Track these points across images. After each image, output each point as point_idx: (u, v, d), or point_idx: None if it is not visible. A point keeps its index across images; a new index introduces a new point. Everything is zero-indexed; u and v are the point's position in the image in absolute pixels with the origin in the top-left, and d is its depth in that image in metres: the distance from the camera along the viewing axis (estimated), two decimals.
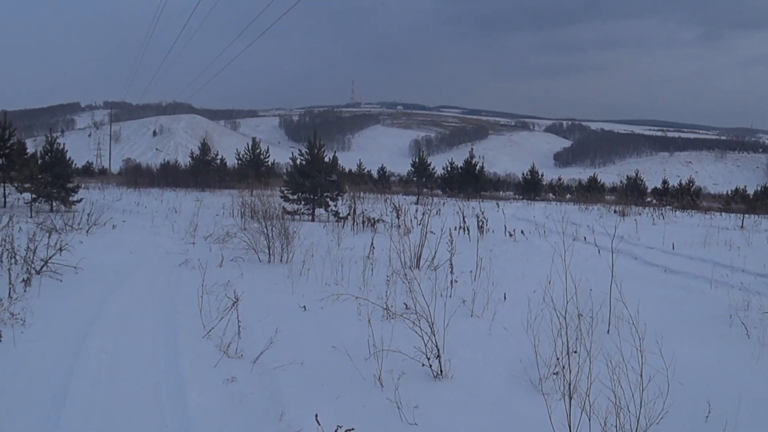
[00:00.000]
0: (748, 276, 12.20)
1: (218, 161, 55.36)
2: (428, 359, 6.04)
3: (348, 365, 6.08)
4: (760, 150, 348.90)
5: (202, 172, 51.44)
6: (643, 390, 4.38)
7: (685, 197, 52.17)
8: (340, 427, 4.36)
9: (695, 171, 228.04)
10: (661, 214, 33.82)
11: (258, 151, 51.33)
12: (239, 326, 7.06)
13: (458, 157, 68.38)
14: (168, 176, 54.26)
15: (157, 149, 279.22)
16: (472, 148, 76.81)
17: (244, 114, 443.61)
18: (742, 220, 28.78)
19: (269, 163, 52.17)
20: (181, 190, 42.85)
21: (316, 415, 4.57)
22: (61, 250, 10.96)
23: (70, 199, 24.83)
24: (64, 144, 27.96)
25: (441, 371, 6.04)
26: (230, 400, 5.46)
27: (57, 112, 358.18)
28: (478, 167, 61.79)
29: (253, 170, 46.77)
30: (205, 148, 55.28)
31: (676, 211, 40.69)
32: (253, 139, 55.45)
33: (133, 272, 11.16)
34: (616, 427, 4.31)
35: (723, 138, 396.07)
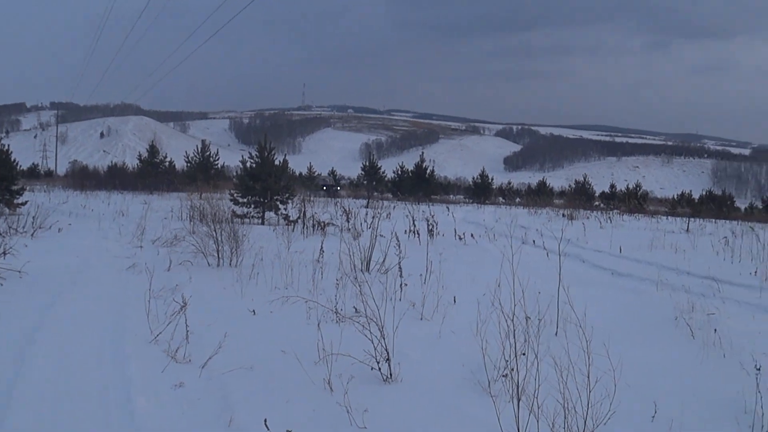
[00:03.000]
0: (694, 278, 12.40)
1: (167, 164, 54.73)
2: (378, 363, 6.04)
3: (297, 369, 6.05)
4: (705, 155, 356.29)
5: (150, 175, 50.76)
6: (590, 391, 4.43)
7: (632, 201, 52.87)
8: None
9: (642, 175, 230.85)
10: (609, 217, 34.21)
11: (207, 153, 50.89)
12: (187, 331, 6.98)
13: (409, 160, 68.78)
14: (115, 179, 53.42)
15: (104, 151, 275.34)
16: (422, 152, 77.14)
17: (193, 116, 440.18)
18: (688, 224, 29.24)
19: (219, 165, 51.73)
20: (129, 193, 42.23)
21: (265, 420, 4.54)
22: (5, 254, 10.76)
23: (15, 201, 24.31)
24: (8, 145, 27.37)
25: (390, 375, 6.04)
26: (178, 406, 5.40)
27: (1, 112, 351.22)
28: (428, 171, 62.14)
29: (202, 173, 46.38)
30: (153, 150, 54.61)
31: (623, 214, 41.21)
32: (203, 141, 54.90)
33: (80, 276, 10.97)
34: (564, 428, 4.35)
35: (669, 143, 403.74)
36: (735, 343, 7.44)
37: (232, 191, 24.89)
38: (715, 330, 7.70)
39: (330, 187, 68.60)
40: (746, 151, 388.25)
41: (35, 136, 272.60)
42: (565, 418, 4.35)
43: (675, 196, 69.14)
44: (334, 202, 31.70)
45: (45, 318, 7.96)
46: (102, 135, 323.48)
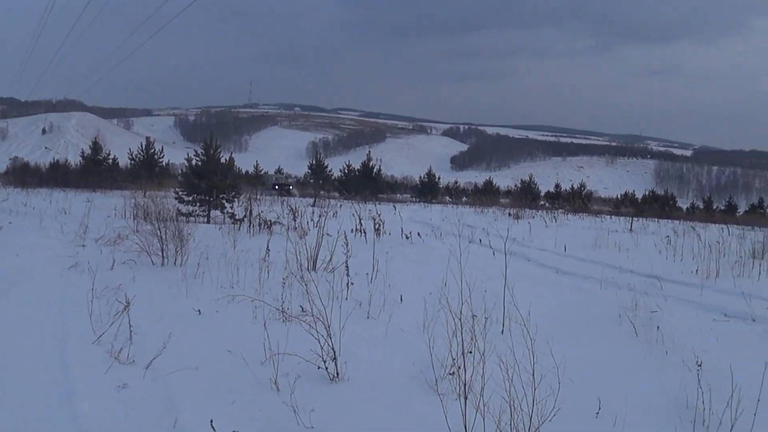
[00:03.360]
0: (637, 277, 12.59)
1: (110, 161, 53.98)
2: (324, 362, 6.02)
3: (243, 369, 6.00)
4: (649, 156, 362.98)
5: (94, 172, 50.01)
6: (535, 389, 4.46)
7: (576, 201, 53.58)
8: None
9: (587, 175, 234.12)
10: (554, 217, 34.59)
11: (152, 151, 50.39)
12: (131, 331, 6.87)
13: (356, 159, 68.79)
14: (58, 176, 52.62)
15: (46, 148, 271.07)
16: (369, 151, 77.30)
17: (138, 113, 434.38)
18: (631, 223, 29.67)
19: (163, 163, 51.24)
20: (72, 191, 41.56)
21: (211, 421, 4.49)
22: None
23: None
24: None
25: (337, 374, 6.02)
26: (122, 407, 5.31)
27: None
28: (375, 170, 62.33)
29: (147, 171, 45.91)
30: (96, 147, 53.82)
31: (568, 214, 41.69)
32: (147, 138, 54.40)
33: (20, 276, 10.74)
34: (510, 425, 4.37)
35: (613, 144, 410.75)
36: (677, 340, 7.56)
37: (177, 189, 24.60)
38: (658, 327, 7.82)
39: (282, 186, 67.21)
40: (688, 153, 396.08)
41: None
42: (510, 415, 4.38)
43: (619, 196, 70.39)
44: (281, 201, 31.56)
45: None
46: (44, 131, 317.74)
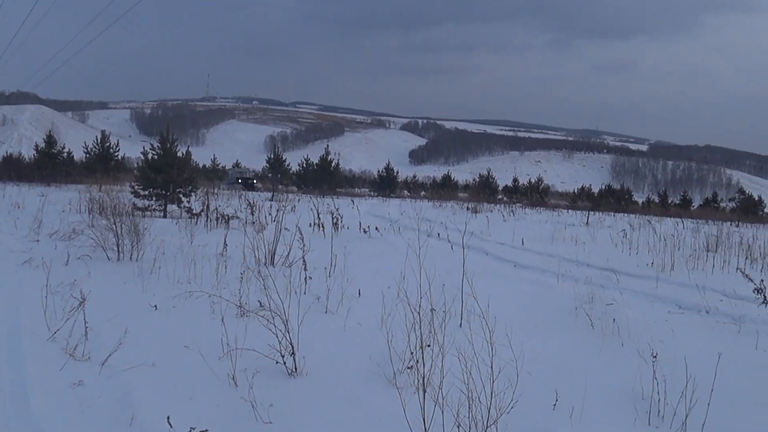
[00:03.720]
0: (593, 270, 12.72)
1: (65, 155, 53.21)
2: (283, 357, 6.00)
3: (201, 365, 5.95)
4: (605, 151, 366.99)
5: (48, 166, 49.22)
6: (493, 381, 4.47)
7: (534, 195, 54.04)
8: (194, 429, 4.26)
9: (544, 170, 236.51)
10: (512, 211, 34.88)
11: (107, 144, 49.67)
12: (86, 327, 6.78)
13: (314, 153, 68.65)
14: (10, 170, 51.57)
15: None
16: (327, 145, 77.26)
17: (93, 105, 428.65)
18: (588, 217, 30.01)
19: (119, 157, 50.58)
20: (25, 185, 40.86)
21: (168, 418, 4.44)
22: None
23: None
24: None
25: (296, 368, 6.01)
26: (78, 405, 5.24)
27: None
28: (333, 164, 62.20)
29: (102, 164, 45.33)
30: (51, 140, 52.93)
31: (525, 208, 42.07)
32: (103, 131, 53.56)
33: None
34: (468, 418, 4.38)
35: (570, 139, 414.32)
36: (633, 332, 7.67)
37: (133, 183, 24.34)
38: (614, 319, 7.91)
39: (246, 180, 66.02)
40: (644, 147, 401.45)
41: None
42: (469, 408, 4.39)
43: (575, 190, 71.06)
44: (239, 195, 31.38)
45: None
46: None
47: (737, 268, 9.61)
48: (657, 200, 62.19)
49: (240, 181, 64.69)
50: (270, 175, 63.52)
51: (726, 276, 12.20)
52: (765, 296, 7.02)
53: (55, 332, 6.90)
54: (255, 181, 66.82)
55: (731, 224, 28.17)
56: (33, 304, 7.94)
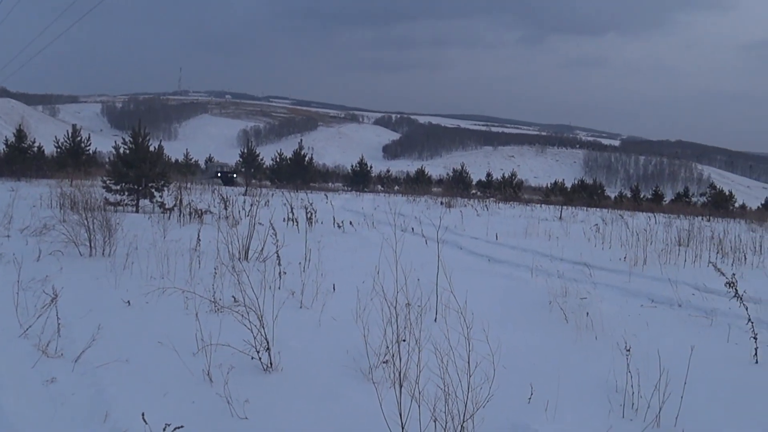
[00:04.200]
0: (566, 264, 12.80)
1: (35, 149, 52.62)
2: (258, 352, 5.98)
3: (175, 361, 5.91)
4: (578, 146, 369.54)
5: (18, 161, 48.66)
6: (470, 376, 4.48)
7: (507, 189, 54.30)
8: (169, 425, 4.23)
9: (517, 165, 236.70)
10: (485, 205, 34.98)
11: (79, 138, 49.14)
12: (59, 324, 6.71)
13: (287, 148, 68.38)
14: None
15: None
16: (301, 140, 77.06)
17: (63, 99, 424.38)
18: (561, 212, 30.15)
19: (90, 151, 50.10)
20: None
21: (143, 414, 4.42)
22: None
23: None
24: None
25: (271, 364, 5.99)
26: (50, 402, 5.19)
27: None
28: (307, 158, 62.07)
29: (73, 159, 44.89)
30: (21, 135, 52.27)
31: (499, 203, 42.18)
32: (74, 126, 52.91)
33: None
34: (445, 412, 4.39)
35: (543, 134, 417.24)
36: (606, 326, 7.73)
37: (104, 178, 24.16)
38: (588, 313, 7.97)
39: (226, 174, 65.43)
40: (616, 143, 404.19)
41: None
42: (446, 402, 4.39)
43: (548, 185, 71.47)
44: (212, 190, 31.24)
45: None
46: None
47: (709, 262, 9.68)
48: (629, 195, 62.48)
49: (219, 175, 64.15)
50: (243, 169, 63.15)
51: (698, 270, 12.32)
52: (736, 290, 7.10)
53: (27, 329, 6.83)
54: (235, 176, 65.95)
55: (702, 219, 28.52)
56: (4, 301, 7.84)
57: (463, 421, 4.40)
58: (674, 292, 9.77)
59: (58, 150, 49.44)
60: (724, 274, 7.37)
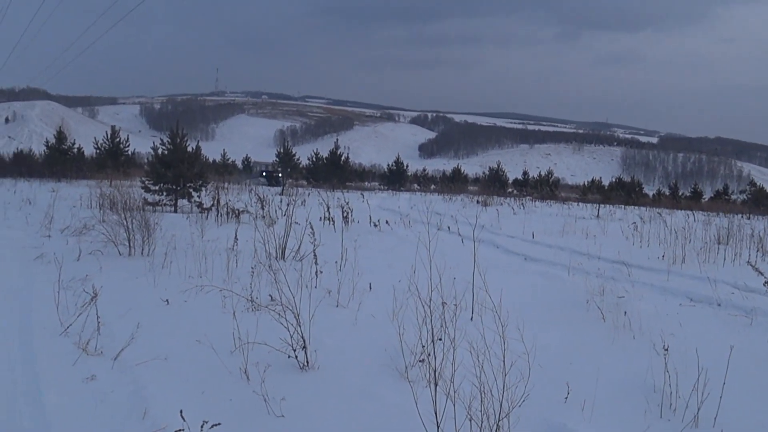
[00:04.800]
0: (604, 263, 12.69)
1: (75, 150, 53.30)
2: (294, 351, 6.01)
3: (213, 359, 5.97)
4: (615, 143, 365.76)
5: (58, 162, 49.27)
6: (505, 375, 4.47)
7: (544, 188, 53.99)
8: (206, 423, 4.28)
9: (554, 163, 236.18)
10: (522, 204, 34.82)
11: (117, 140, 49.66)
12: (99, 322, 6.81)
13: (323, 147, 68.44)
14: (21, 166, 51.76)
15: (9, 137, 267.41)
16: (337, 139, 77.11)
17: (103, 101, 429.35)
18: (598, 210, 29.94)
19: (129, 152, 50.61)
20: (36, 181, 41.02)
21: (181, 411, 4.46)
22: None
23: None
24: None
25: (307, 362, 6.01)
26: (90, 399, 5.26)
27: None
28: (343, 158, 62.06)
29: (112, 160, 45.36)
30: (61, 136, 53.00)
31: (535, 201, 41.98)
32: (113, 127, 53.48)
33: None
34: (480, 411, 4.38)
35: (580, 132, 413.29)
36: (644, 325, 7.65)
37: (143, 178, 24.39)
38: (625, 312, 7.90)
39: (271, 174, 62.59)
40: (654, 140, 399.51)
41: None
42: (481, 401, 4.39)
43: (586, 183, 70.92)
44: (249, 190, 31.38)
45: None
46: (7, 120, 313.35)
47: (748, 261, 9.57)
48: (667, 193, 61.89)
49: (264, 174, 62.40)
50: (280, 169, 63.20)
51: (737, 268, 12.15)
52: None
53: (68, 327, 6.94)
54: (280, 175, 62.73)
55: (742, 216, 28.11)
56: (45, 300, 7.97)
57: (499, 420, 4.39)
58: (713, 290, 9.65)
59: (98, 151, 49.98)
60: (762, 274, 7.29)
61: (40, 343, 6.62)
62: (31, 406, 5.09)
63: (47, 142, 54.10)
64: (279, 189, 37.48)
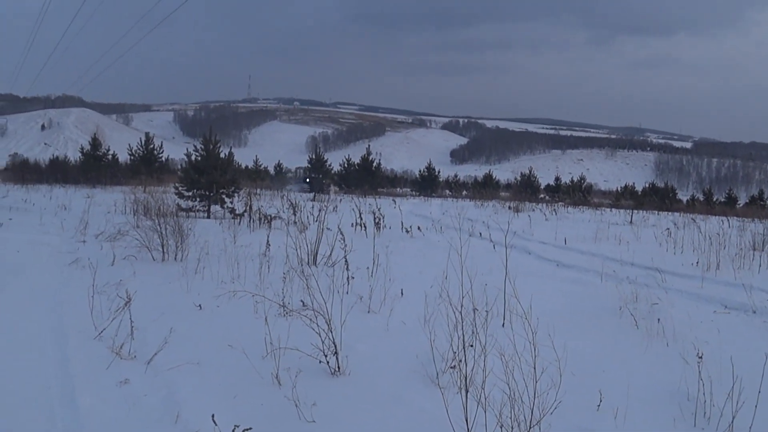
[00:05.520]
0: (637, 269, 12.58)
1: (110, 157, 53.90)
2: (326, 356, 6.03)
3: (245, 364, 6.00)
4: (648, 148, 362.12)
5: (93, 168, 49.87)
6: (536, 382, 4.46)
7: (576, 194, 53.57)
8: (238, 427, 4.31)
9: (586, 168, 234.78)
10: (554, 210, 34.61)
11: (151, 146, 50.18)
12: (132, 326, 6.88)
13: (355, 153, 68.54)
14: (57, 172, 52.45)
15: (45, 144, 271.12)
16: (369, 145, 77.27)
17: (137, 108, 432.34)
18: (631, 216, 29.66)
19: (163, 158, 51.10)
20: (71, 187, 41.54)
21: (213, 416, 4.50)
22: None
23: None
24: None
25: (338, 368, 6.03)
26: (124, 403, 5.32)
27: None
28: (375, 164, 62.04)
29: (146, 166, 45.82)
30: (96, 143, 53.66)
31: (568, 207, 41.69)
32: (147, 134, 54.08)
33: (20, 272, 10.74)
34: (510, 418, 4.37)
35: (613, 137, 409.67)
36: (678, 332, 7.57)
37: (176, 184, 24.61)
38: (659, 319, 7.82)
39: (313, 179, 59.01)
40: (688, 145, 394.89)
41: None
42: (512, 408, 4.38)
43: (619, 189, 70.31)
44: (281, 195, 31.49)
45: None
46: (43, 127, 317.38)
47: None
48: (702, 198, 61.25)
49: (308, 180, 59.44)
50: (313, 175, 63.28)
51: None
52: None
53: (102, 331, 7.01)
54: (324, 180, 59.51)
55: None
56: (80, 304, 8.07)
57: (530, 427, 4.37)
58: (748, 297, 9.53)
59: (132, 157, 50.53)
60: None
61: (75, 347, 6.70)
62: (65, 409, 5.15)
63: (82, 148, 54.78)
64: (311, 195, 37.20)
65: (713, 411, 5.14)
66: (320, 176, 60.66)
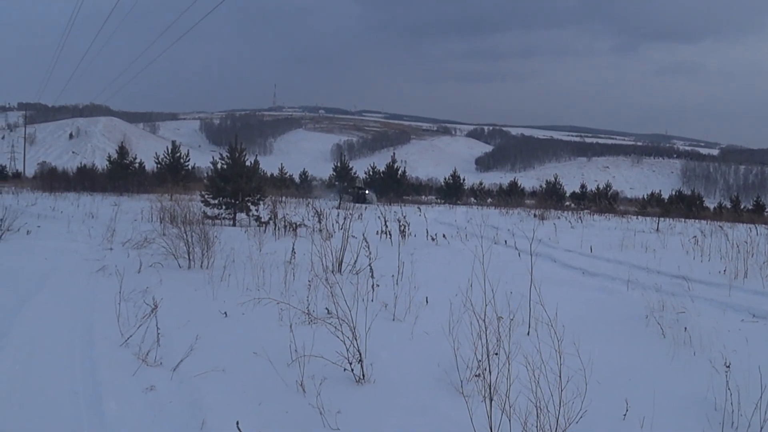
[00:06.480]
0: (664, 277, 12.50)
1: (137, 165, 54.37)
2: (350, 364, 6.03)
3: (270, 371, 6.02)
4: (675, 156, 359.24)
5: (120, 176, 50.27)
6: (562, 390, 4.44)
7: (602, 201, 53.38)
8: None
9: (612, 176, 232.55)
10: (579, 217, 34.45)
11: (178, 154, 50.53)
12: (158, 333, 6.92)
13: (380, 161, 68.77)
14: (85, 180, 52.83)
15: (73, 152, 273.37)
16: (394, 153, 77.34)
17: (163, 117, 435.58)
18: (658, 224, 29.48)
19: (189, 167, 51.41)
20: (99, 195, 41.84)
21: (237, 423, 4.51)
22: None
23: None
24: None
25: (363, 376, 6.03)
26: (149, 409, 5.35)
27: None
28: (399, 171, 62.25)
29: (173, 174, 46.11)
30: (123, 151, 54.15)
31: (593, 214, 41.52)
32: (173, 142, 54.52)
33: (48, 279, 10.84)
34: (536, 427, 4.36)
35: (639, 144, 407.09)
36: (705, 341, 7.50)
37: (203, 192, 24.79)
38: (686, 328, 7.76)
39: (357, 189, 56.24)
40: (715, 152, 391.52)
41: (3, 137, 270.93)
42: (537, 417, 4.36)
43: (645, 196, 69.95)
44: (306, 203, 31.56)
45: (13, 321, 7.85)
46: (71, 136, 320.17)
47: None
48: (729, 206, 60.78)
49: (349, 190, 55.99)
50: (336, 183, 63.47)
51: None
52: None
53: (128, 338, 7.06)
54: (366, 191, 56.35)
55: None
56: (107, 311, 8.13)
57: None
58: None
59: (159, 166, 50.93)
60: None
61: (101, 354, 6.75)
62: (92, 414, 5.19)
63: (109, 157, 55.30)
64: (336, 203, 37.16)
65: (741, 421, 5.09)
66: (364, 189, 58.00)
